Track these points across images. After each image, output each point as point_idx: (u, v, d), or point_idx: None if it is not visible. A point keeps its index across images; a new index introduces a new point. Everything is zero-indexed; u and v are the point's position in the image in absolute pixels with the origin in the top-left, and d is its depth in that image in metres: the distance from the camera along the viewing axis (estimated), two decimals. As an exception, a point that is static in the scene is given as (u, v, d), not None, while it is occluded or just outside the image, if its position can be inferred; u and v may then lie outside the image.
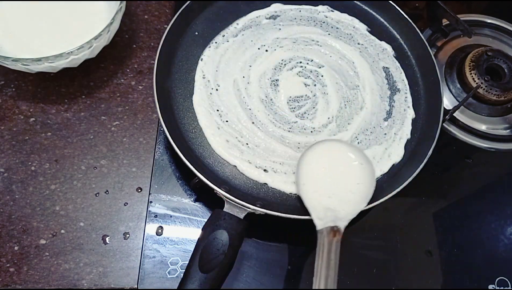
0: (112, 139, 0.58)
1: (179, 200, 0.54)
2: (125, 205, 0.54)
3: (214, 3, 0.63)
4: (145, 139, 0.58)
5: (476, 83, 0.65)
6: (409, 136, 0.58)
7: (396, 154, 0.56)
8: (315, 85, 0.59)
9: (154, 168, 0.56)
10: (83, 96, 0.60)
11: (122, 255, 0.51)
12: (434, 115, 0.57)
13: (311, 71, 0.60)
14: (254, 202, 0.47)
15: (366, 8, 0.68)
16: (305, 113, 0.57)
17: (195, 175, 0.47)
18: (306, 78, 0.60)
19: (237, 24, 0.63)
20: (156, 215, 0.53)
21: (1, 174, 0.54)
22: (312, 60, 0.61)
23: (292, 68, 0.60)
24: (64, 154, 0.56)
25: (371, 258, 0.54)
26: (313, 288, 0.40)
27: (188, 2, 0.60)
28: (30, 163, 0.55)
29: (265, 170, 0.52)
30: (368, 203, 0.48)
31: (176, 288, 0.42)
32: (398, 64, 0.63)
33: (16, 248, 0.50)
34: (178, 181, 0.55)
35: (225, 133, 0.54)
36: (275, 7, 0.65)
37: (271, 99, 0.57)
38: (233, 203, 0.47)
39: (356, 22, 0.66)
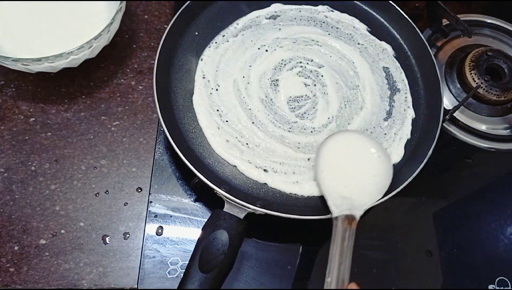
0: (112, 139, 0.58)
1: (179, 200, 0.54)
2: (125, 205, 0.54)
3: (214, 3, 0.63)
4: (145, 139, 0.58)
5: (476, 83, 0.65)
6: (409, 136, 0.58)
7: (396, 154, 0.56)
8: (315, 85, 0.59)
9: (154, 168, 0.56)
10: (83, 96, 0.60)
11: (122, 255, 0.51)
12: (434, 115, 0.57)
13: (311, 71, 0.60)
14: (254, 202, 0.47)
15: (366, 8, 0.68)
16: (305, 113, 0.57)
17: (195, 175, 0.47)
18: (306, 78, 0.60)
19: (237, 24, 0.63)
20: (156, 215, 0.53)
21: (1, 174, 0.54)
22: (312, 60, 0.61)
23: (292, 68, 0.60)
24: (64, 154, 0.56)
25: (371, 258, 0.54)
26: (326, 273, 0.41)
27: (188, 2, 0.60)
28: (30, 163, 0.55)
29: (265, 170, 0.52)
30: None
31: (176, 288, 0.42)
32: (398, 64, 0.63)
33: (16, 248, 0.50)
34: (178, 181, 0.55)
35: (225, 133, 0.54)
36: (275, 7, 0.65)
37: (271, 99, 0.57)
38: (233, 203, 0.47)
39: (356, 22, 0.66)
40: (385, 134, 0.57)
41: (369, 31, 0.66)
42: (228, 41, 0.61)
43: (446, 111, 0.61)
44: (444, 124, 0.63)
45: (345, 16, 0.66)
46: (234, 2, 0.64)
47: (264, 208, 0.47)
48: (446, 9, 0.68)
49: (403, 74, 0.63)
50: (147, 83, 0.62)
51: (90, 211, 0.53)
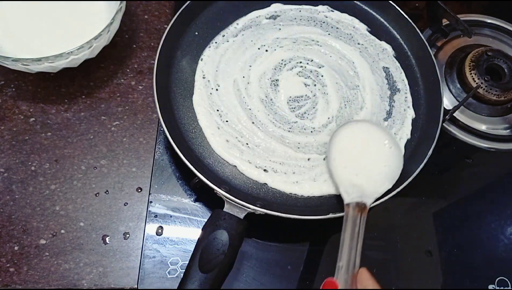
0: (112, 139, 0.58)
1: (179, 200, 0.54)
2: (125, 205, 0.54)
3: (214, 3, 0.63)
4: (145, 139, 0.58)
5: (476, 83, 0.65)
6: (409, 136, 0.58)
7: (396, 154, 0.56)
8: (315, 85, 0.59)
9: (154, 168, 0.56)
10: (83, 96, 0.60)
11: (122, 255, 0.51)
12: (434, 115, 0.57)
13: (311, 71, 0.60)
14: (254, 202, 0.47)
15: (366, 8, 0.68)
16: (305, 113, 0.57)
17: (195, 175, 0.47)
18: (306, 78, 0.60)
19: (237, 24, 0.63)
20: (156, 215, 0.53)
21: (1, 174, 0.54)
22: (312, 60, 0.61)
23: (292, 68, 0.60)
24: (64, 154, 0.56)
25: (371, 258, 0.54)
26: (338, 258, 0.41)
27: (188, 2, 0.60)
28: (30, 163, 0.55)
29: (265, 170, 0.52)
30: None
31: (176, 288, 0.42)
32: (398, 64, 0.63)
33: (16, 248, 0.50)
34: (178, 181, 0.55)
35: (225, 133, 0.54)
36: (275, 7, 0.65)
37: (271, 99, 0.57)
38: (233, 203, 0.47)
39: (356, 22, 0.66)
40: (385, 134, 0.57)
41: (369, 31, 0.66)
42: (228, 41, 0.61)
43: (446, 111, 0.61)
44: (444, 124, 0.63)
45: (345, 16, 0.66)
46: (234, 2, 0.64)
47: (264, 208, 0.47)
48: (446, 9, 0.68)
49: (403, 74, 0.63)
50: (147, 83, 0.62)
51: (90, 211, 0.53)
